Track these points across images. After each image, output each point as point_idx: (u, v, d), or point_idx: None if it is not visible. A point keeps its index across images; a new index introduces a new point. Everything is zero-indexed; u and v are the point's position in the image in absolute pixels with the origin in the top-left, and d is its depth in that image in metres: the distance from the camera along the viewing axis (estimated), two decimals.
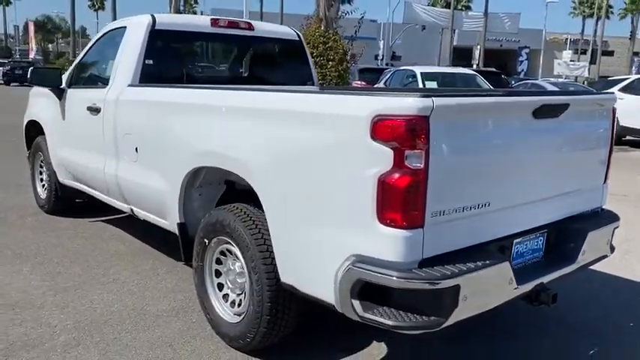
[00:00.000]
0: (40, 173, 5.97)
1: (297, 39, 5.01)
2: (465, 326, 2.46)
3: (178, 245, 3.64)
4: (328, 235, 2.47)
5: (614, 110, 3.25)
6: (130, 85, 4.06)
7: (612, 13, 65.31)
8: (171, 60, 4.45)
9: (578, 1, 70.77)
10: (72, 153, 4.94)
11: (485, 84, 11.37)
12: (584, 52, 59.83)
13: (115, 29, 4.67)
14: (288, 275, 2.72)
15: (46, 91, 5.37)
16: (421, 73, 10.78)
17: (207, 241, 3.25)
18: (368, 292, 2.37)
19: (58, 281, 4.10)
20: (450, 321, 2.33)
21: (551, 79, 25.44)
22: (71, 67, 5.11)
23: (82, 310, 3.65)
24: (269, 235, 2.84)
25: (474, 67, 36.04)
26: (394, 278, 2.23)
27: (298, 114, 2.61)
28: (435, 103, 2.18)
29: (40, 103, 5.62)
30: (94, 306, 3.71)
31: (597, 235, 3.08)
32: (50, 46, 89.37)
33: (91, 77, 4.90)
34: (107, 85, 4.30)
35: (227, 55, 4.84)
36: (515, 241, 2.74)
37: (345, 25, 13.34)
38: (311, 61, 5.12)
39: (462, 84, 10.86)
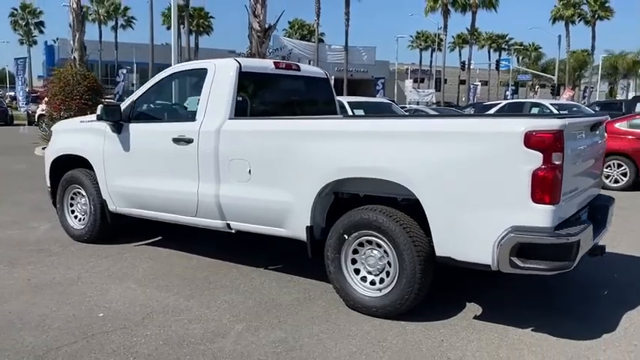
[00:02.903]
0: (71, 205, 6.22)
1: (326, 77, 6.05)
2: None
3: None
4: (488, 216, 3.58)
5: (605, 125, 4.78)
6: (230, 118, 4.80)
7: (443, 46, 74.47)
8: (251, 96, 5.24)
9: (415, 35, 79.59)
10: (140, 181, 5.40)
11: (400, 110, 13.15)
12: (422, 81, 68.00)
13: (187, 70, 5.34)
14: (445, 250, 3.77)
15: (87, 126, 5.81)
16: (348, 102, 12.17)
17: (346, 236, 4.16)
18: (520, 251, 3.52)
19: (175, 292, 4.63)
20: (574, 263, 3.56)
21: (430, 106, 28.93)
22: (126, 104, 5.57)
23: (225, 307, 4.29)
24: (414, 224, 3.89)
25: None
26: (547, 238, 3.42)
27: (462, 133, 3.71)
28: (567, 122, 3.44)
29: (81, 138, 5.94)
30: (232, 304, 4.35)
31: (612, 210, 4.56)
32: None
33: (164, 112, 5.46)
34: (195, 118, 4.96)
35: (283, 91, 5.72)
36: (580, 213, 4.08)
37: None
38: (334, 93, 6.18)
39: (381, 110, 12.47)
